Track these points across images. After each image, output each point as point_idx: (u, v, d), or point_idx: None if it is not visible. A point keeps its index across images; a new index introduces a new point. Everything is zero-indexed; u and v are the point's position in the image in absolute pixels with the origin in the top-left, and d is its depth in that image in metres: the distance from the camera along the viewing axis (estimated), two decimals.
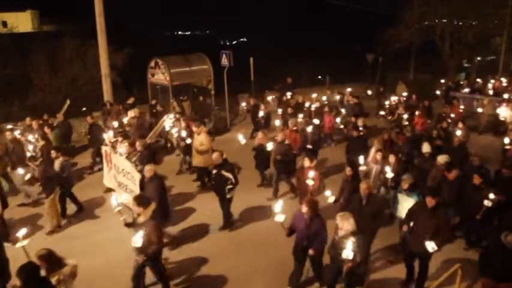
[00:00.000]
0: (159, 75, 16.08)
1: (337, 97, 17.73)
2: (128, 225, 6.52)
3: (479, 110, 16.59)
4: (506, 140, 11.45)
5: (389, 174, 8.62)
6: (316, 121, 13.37)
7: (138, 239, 5.91)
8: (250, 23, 53.47)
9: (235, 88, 18.83)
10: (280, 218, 6.22)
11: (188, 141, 11.18)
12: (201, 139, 10.49)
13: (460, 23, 23.82)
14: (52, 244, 7.23)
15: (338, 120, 14.34)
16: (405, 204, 7.51)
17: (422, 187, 9.05)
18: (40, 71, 21.08)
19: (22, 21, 37.30)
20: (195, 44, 32.91)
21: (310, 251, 6.33)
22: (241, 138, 11.32)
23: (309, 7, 40.55)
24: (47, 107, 18.03)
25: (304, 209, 6.23)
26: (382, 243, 7.98)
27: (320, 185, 8.55)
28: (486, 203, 7.26)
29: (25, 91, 20.81)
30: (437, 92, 20.40)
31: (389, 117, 15.39)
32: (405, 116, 13.89)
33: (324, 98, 17.02)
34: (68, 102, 14.26)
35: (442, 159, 9.09)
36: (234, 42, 56.74)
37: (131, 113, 13.15)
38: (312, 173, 8.21)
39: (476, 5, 22.27)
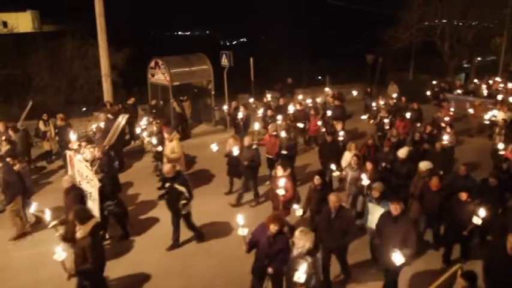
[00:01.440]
0: (159, 76, 16.08)
1: (318, 99, 16.95)
2: (65, 239, 5.99)
3: (471, 112, 16.17)
4: (501, 146, 10.94)
5: (365, 181, 8.16)
6: (300, 124, 13.04)
7: (60, 253, 5.40)
8: (250, 23, 53.46)
9: (236, 88, 18.86)
10: (243, 231, 5.77)
11: (159, 148, 10.70)
12: (172, 146, 10.08)
13: (460, 24, 23.84)
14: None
15: (319, 123, 13.64)
16: (376, 214, 6.97)
17: (400, 193, 8.71)
18: (40, 71, 21.09)
19: (22, 22, 37.28)
20: (195, 44, 32.91)
21: (270, 269, 5.75)
22: (214, 146, 10.49)
23: (309, 7, 40.55)
24: (47, 107, 18.05)
25: (269, 225, 5.69)
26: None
27: (294, 196, 7.89)
28: (475, 220, 6.84)
29: (25, 91, 20.80)
30: (428, 93, 20.17)
31: (371, 121, 14.90)
32: (386, 121, 13.49)
33: (309, 100, 16.49)
34: (30, 104, 13.63)
35: (424, 166, 8.69)
36: (234, 43, 56.73)
37: (100, 117, 12.66)
38: (282, 183, 7.64)
39: (476, 5, 22.29)
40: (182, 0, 59.04)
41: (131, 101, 15.48)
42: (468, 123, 16.23)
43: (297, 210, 7.40)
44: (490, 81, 22.02)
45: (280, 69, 24.85)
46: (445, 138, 11.27)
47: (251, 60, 18.22)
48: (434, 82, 22.23)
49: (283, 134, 11.23)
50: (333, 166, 9.42)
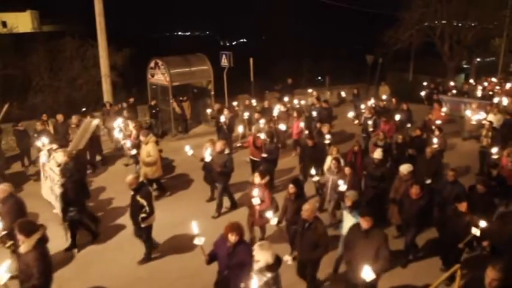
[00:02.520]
0: (159, 76, 16.08)
1: (302, 102, 16.35)
2: (14, 252, 5.60)
3: (467, 113, 15.49)
4: (494, 150, 10.43)
5: (343, 187, 7.86)
6: (283, 127, 12.73)
7: (2, 273, 4.89)
8: (250, 23, 53.45)
9: (235, 89, 18.86)
10: (199, 240, 5.43)
11: (133, 152, 10.43)
12: (148, 149, 9.83)
13: (460, 24, 23.85)
14: None
15: (301, 125, 12.86)
16: (349, 223, 6.68)
17: (370, 195, 8.74)
18: (40, 71, 21.06)
19: (22, 22, 37.23)
20: (195, 44, 32.89)
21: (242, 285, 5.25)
22: (188, 149, 9.70)
23: (308, 8, 40.54)
24: (46, 107, 18.05)
25: (227, 235, 5.36)
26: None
27: (271, 205, 7.49)
28: (474, 231, 6.44)
29: (25, 91, 20.79)
30: (422, 94, 19.98)
31: (355, 122, 14.56)
32: (369, 122, 13.05)
33: (296, 101, 16.12)
34: (6, 106, 13.27)
35: (405, 169, 8.31)
36: (234, 43, 56.76)
37: (73, 120, 12.37)
38: (257, 192, 7.29)
39: (476, 6, 22.31)
40: (182, 1, 59.04)
41: (131, 101, 15.47)
42: (462, 126, 15.75)
43: (272, 219, 7.00)
44: (485, 83, 21.99)
45: (280, 70, 24.87)
46: (435, 142, 10.95)
47: (251, 60, 18.22)
48: (425, 83, 22.05)
49: (262, 136, 10.87)
50: (312, 171, 9.02)
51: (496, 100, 16.55)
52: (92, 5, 14.95)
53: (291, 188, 7.22)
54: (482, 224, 6.42)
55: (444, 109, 15.82)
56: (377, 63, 24.20)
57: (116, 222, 9.32)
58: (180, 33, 67.67)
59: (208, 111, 15.30)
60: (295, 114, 13.59)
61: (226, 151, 9.52)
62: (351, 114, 14.47)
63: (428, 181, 8.89)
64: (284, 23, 40.17)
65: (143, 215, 7.35)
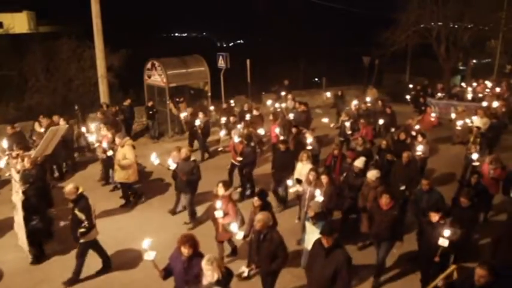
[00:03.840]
0: (156, 77, 16.07)
1: (282, 104, 15.57)
2: None
3: (452, 117, 14.93)
4: (475, 156, 10.03)
5: (319, 197, 7.36)
6: (262, 131, 12.38)
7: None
8: (247, 25, 53.51)
9: (232, 90, 18.87)
10: (150, 256, 5.24)
11: (109, 153, 10.19)
12: (124, 152, 9.60)
13: (456, 26, 23.92)
14: None
15: (277, 130, 12.20)
16: (311, 235, 6.38)
17: (346, 205, 8.35)
18: (36, 72, 21.01)
19: (18, 22, 37.05)
20: (191, 45, 32.90)
21: None
22: (154, 159, 8.99)
23: (305, 9, 40.62)
24: (43, 108, 18.00)
25: (180, 248, 5.13)
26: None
27: (236, 218, 7.08)
28: (441, 241, 6.11)
29: (21, 92, 20.74)
30: (407, 97, 19.73)
31: (332, 125, 14.04)
32: (347, 124, 12.66)
33: (277, 105, 15.68)
34: None
35: (372, 175, 7.91)
36: (230, 44, 56.80)
37: (43, 122, 12.05)
38: (220, 204, 6.85)
39: (472, 8, 22.38)
40: (179, 2, 59.03)
41: (127, 102, 15.46)
42: (452, 130, 15.14)
43: (237, 233, 6.49)
44: (475, 84, 21.95)
45: (277, 71, 24.88)
46: (419, 149, 10.45)
47: (248, 62, 18.24)
48: (411, 85, 21.75)
49: (236, 139, 10.59)
50: (289, 181, 8.55)
51: (484, 104, 16.22)
52: (89, 6, 14.93)
53: (256, 201, 6.91)
54: (447, 233, 6.09)
55: (434, 114, 15.44)
56: (373, 65, 24.25)
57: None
58: (176, 34, 67.69)
59: (182, 115, 14.73)
60: (270, 117, 13.21)
61: (192, 158, 9.10)
62: (325, 119, 13.87)
63: (403, 187, 8.63)
64: (281, 24, 40.25)
65: (82, 230, 6.90)
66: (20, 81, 21.20)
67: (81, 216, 6.88)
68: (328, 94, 19.74)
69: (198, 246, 5.22)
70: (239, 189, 10.65)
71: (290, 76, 21.32)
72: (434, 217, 6.41)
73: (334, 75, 25.91)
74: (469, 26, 23.73)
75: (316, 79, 27.40)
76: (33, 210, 7.66)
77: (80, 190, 7.06)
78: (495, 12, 22.89)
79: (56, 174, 11.85)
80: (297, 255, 7.53)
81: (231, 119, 13.28)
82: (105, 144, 10.37)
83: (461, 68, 29.76)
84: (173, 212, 9.68)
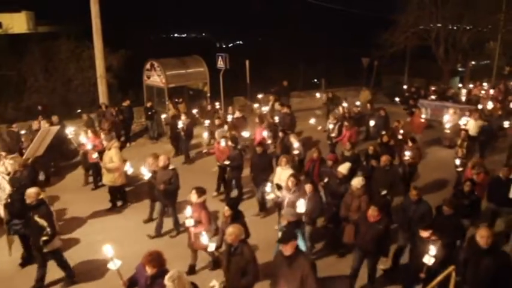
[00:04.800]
0: (155, 77, 16.08)
1: (265, 108, 14.87)
2: None
3: (443, 119, 14.29)
4: (457, 161, 9.60)
5: (301, 208, 6.84)
6: (246, 133, 11.95)
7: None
8: (246, 25, 53.51)
9: (231, 91, 18.88)
10: (114, 265, 5.05)
11: (95, 155, 10.01)
12: (110, 155, 9.41)
13: (455, 28, 23.98)
14: None
15: (265, 133, 11.73)
16: None
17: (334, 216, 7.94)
18: (35, 72, 21.01)
19: (17, 22, 37.03)
20: (191, 46, 32.90)
21: None
22: (128, 168, 8.78)
23: (304, 10, 40.64)
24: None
25: (144, 266, 4.83)
26: None
27: (209, 227, 6.71)
28: (426, 259, 5.73)
29: (20, 92, 20.73)
30: (396, 99, 19.50)
31: (320, 128, 13.64)
32: (331, 126, 12.36)
33: (256, 105, 15.37)
34: None
35: (357, 182, 7.40)
36: (230, 45, 56.81)
37: (33, 124, 11.83)
38: (189, 211, 6.48)
39: (471, 9, 22.44)
40: (178, 2, 59.07)
41: (126, 103, 15.43)
42: (442, 132, 14.61)
43: (209, 245, 6.12)
44: (470, 85, 21.92)
45: (276, 72, 24.92)
46: (407, 154, 9.98)
47: (247, 62, 18.25)
48: (405, 87, 21.59)
49: (222, 142, 10.31)
50: (268, 188, 8.04)
51: (480, 106, 15.97)
52: (88, 6, 14.91)
53: (226, 210, 6.45)
54: (432, 252, 5.71)
55: (424, 116, 14.81)
56: (372, 66, 24.30)
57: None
58: (176, 35, 67.69)
59: (163, 116, 14.24)
60: (256, 120, 12.82)
61: (171, 166, 8.44)
62: (312, 120, 13.50)
63: (384, 192, 8.31)
64: (280, 25, 40.29)
65: (44, 238, 6.45)
66: (18, 81, 21.20)
67: (43, 223, 6.47)
68: (318, 95, 19.41)
69: (163, 264, 4.89)
70: (214, 194, 10.37)
71: (289, 77, 21.34)
72: (424, 234, 6.04)
73: (333, 76, 25.96)
74: (468, 28, 23.81)
75: (316, 80, 27.42)
76: (16, 215, 7.34)
77: (41, 196, 6.68)
78: (494, 14, 22.96)
79: (42, 177, 11.29)
80: None
81: (216, 121, 12.78)
82: (90, 146, 10.13)
83: (460, 69, 29.81)
84: (148, 220, 9.14)
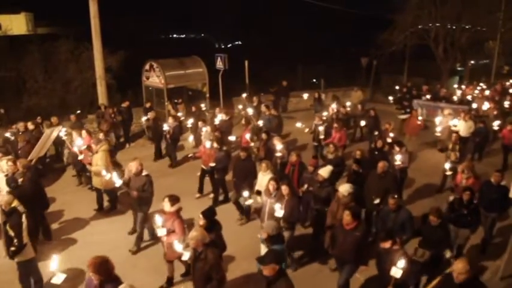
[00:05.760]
0: (154, 78, 16.08)
1: (249, 110, 14.12)
2: None
3: (436, 121, 13.55)
4: (447, 165, 9.29)
5: (279, 212, 6.62)
6: (232, 137, 11.64)
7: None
8: (245, 26, 53.57)
9: (231, 91, 18.87)
10: (58, 279, 4.89)
11: (80, 157, 9.92)
12: (96, 158, 9.23)
13: (454, 27, 23.99)
14: None
15: (247, 136, 11.39)
16: None
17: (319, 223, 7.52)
18: (34, 74, 20.99)
19: (16, 24, 37.10)
20: (190, 47, 32.93)
21: None
22: (105, 174, 8.48)
23: (303, 10, 40.68)
24: (41, 109, 17.99)
25: (90, 273, 4.59)
26: None
27: (183, 237, 6.32)
28: (393, 271, 5.38)
29: (19, 94, 20.72)
30: (390, 98, 19.26)
31: (307, 130, 13.10)
32: (320, 128, 11.93)
33: (240, 107, 15.07)
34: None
35: (344, 189, 7.02)
36: (229, 46, 56.85)
37: (19, 126, 11.64)
38: (159, 221, 6.19)
39: (470, 9, 22.45)
40: (177, 3, 59.06)
41: (125, 104, 15.43)
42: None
43: (184, 254, 5.87)
44: (463, 86, 21.80)
45: (275, 72, 24.90)
46: (397, 159, 9.53)
47: (246, 63, 18.25)
48: (397, 87, 21.38)
49: (207, 144, 10.05)
50: (245, 193, 7.81)
51: (474, 106, 15.63)
52: (87, 7, 14.92)
53: (201, 219, 6.12)
54: (401, 264, 5.33)
55: (420, 118, 14.30)
56: (371, 66, 24.30)
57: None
58: (175, 35, 67.73)
59: (143, 119, 13.89)
60: (242, 122, 12.55)
61: (144, 172, 8.05)
62: (299, 124, 13.03)
63: (377, 201, 7.91)
64: (279, 25, 40.32)
65: (13, 248, 6.23)
66: (18, 83, 21.18)
67: (11, 233, 6.25)
68: (305, 96, 19.19)
69: (110, 271, 4.62)
70: (212, 195, 10.20)
71: (288, 77, 21.34)
72: (385, 244, 5.68)
73: (333, 76, 25.94)
74: (467, 27, 23.81)
75: (315, 80, 27.40)
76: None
77: (13, 204, 6.46)
78: (493, 13, 22.98)
79: None
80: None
81: (199, 123, 12.45)
82: (75, 149, 10.06)
83: (459, 69, 29.83)
84: (133, 231, 8.71)
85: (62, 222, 9.35)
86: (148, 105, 15.58)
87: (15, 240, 6.19)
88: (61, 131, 11.03)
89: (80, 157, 9.97)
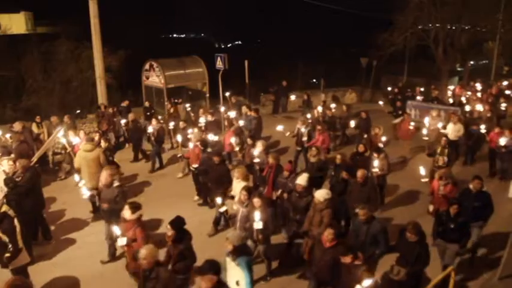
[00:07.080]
0: (154, 78, 16.07)
1: (231, 113, 13.58)
2: None
3: (425, 123, 12.94)
4: (422, 171, 8.75)
5: (258, 223, 6.31)
6: (214, 137, 11.16)
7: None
8: (245, 26, 53.57)
9: (231, 91, 18.85)
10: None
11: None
12: (76, 160, 9.09)
13: (453, 28, 23.99)
14: None
15: (233, 140, 10.97)
16: (233, 272, 5.60)
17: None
18: (34, 73, 21.02)
19: (16, 23, 36.96)
20: (190, 46, 32.93)
21: None
22: (85, 191, 8.24)
23: (303, 11, 40.71)
24: (40, 109, 17.99)
25: None
26: None
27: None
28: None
29: (19, 93, 20.72)
30: (380, 103, 19.02)
31: (288, 133, 12.66)
32: (303, 130, 11.52)
33: (222, 109, 14.68)
34: None
35: (320, 195, 6.73)
36: (229, 45, 56.86)
37: (15, 126, 11.54)
38: (117, 230, 5.76)
39: (469, 9, 22.46)
40: (177, 3, 59.05)
41: (125, 103, 15.43)
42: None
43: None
44: (452, 86, 21.60)
45: (275, 72, 24.91)
46: (375, 165, 8.98)
47: (246, 63, 18.25)
48: (389, 88, 21.10)
49: (191, 145, 9.86)
50: (219, 199, 7.56)
51: (467, 108, 15.14)
52: (87, 6, 14.91)
53: (168, 230, 5.76)
54: (366, 283, 4.89)
55: (413, 123, 13.58)
56: (371, 66, 24.30)
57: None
58: (175, 35, 67.72)
59: (123, 122, 13.49)
60: (226, 123, 12.26)
61: (115, 183, 7.52)
62: (280, 127, 12.45)
63: (357, 210, 7.17)
64: (279, 25, 40.31)
65: (7, 255, 6.02)
66: (17, 82, 21.18)
67: (5, 239, 6.03)
68: (293, 97, 18.62)
69: None
70: (196, 198, 10.04)
71: (288, 77, 21.35)
72: (345, 259, 5.37)
73: (332, 76, 25.95)
74: (467, 28, 23.81)
75: (314, 80, 27.42)
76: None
77: (3, 209, 6.27)
78: (492, 14, 22.98)
79: None
80: None
81: (180, 124, 12.04)
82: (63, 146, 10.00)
83: (459, 69, 29.84)
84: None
85: (61, 222, 9.35)
86: (147, 104, 15.59)
87: (10, 246, 6.01)
88: (60, 132, 10.91)
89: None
